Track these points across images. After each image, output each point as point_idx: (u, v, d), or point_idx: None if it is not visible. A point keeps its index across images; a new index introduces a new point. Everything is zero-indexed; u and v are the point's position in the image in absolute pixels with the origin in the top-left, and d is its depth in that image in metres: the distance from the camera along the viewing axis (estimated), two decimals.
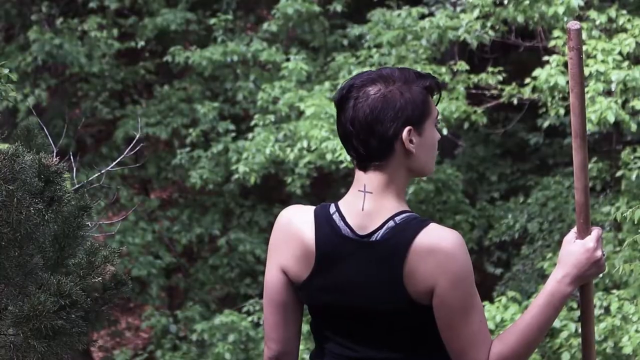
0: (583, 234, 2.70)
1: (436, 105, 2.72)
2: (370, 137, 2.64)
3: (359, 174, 2.69)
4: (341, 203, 2.70)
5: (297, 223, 2.72)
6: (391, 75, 2.67)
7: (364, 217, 2.67)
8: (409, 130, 2.65)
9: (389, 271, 2.63)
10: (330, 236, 2.68)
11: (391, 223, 2.64)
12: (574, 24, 2.69)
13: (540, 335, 2.65)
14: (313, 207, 2.74)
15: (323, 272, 2.69)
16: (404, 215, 2.65)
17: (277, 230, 2.76)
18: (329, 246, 2.67)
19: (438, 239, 2.61)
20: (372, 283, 2.65)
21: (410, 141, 2.65)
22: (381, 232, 2.64)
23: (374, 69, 11.57)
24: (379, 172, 2.67)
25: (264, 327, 2.84)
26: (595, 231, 2.71)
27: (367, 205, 2.67)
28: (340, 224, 2.68)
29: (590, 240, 2.69)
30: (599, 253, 2.68)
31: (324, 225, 2.69)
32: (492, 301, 9.83)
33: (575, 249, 2.69)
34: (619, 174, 10.92)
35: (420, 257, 2.60)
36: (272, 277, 2.76)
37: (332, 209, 2.70)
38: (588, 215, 2.70)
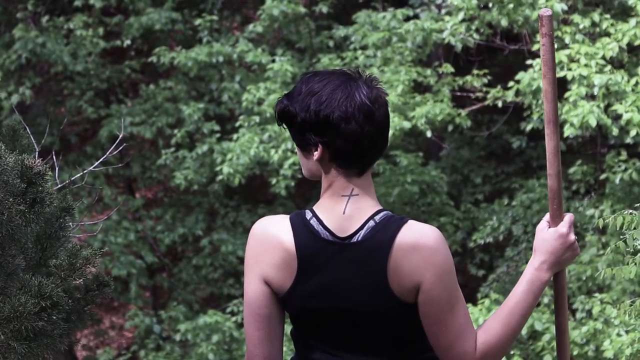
0: (557, 219, 2.76)
1: None
2: (385, 138, 2.68)
3: (348, 180, 2.67)
4: (317, 208, 2.69)
5: (274, 231, 2.69)
6: (356, 72, 2.68)
7: (344, 220, 2.66)
8: None
9: (373, 270, 2.63)
10: (310, 241, 2.66)
11: (371, 223, 2.65)
12: (545, 11, 2.72)
13: (522, 322, 2.69)
14: (287, 216, 2.71)
15: (307, 278, 2.67)
16: (382, 214, 2.66)
17: (253, 241, 2.71)
18: (310, 251, 2.66)
19: (420, 235, 2.63)
20: (356, 284, 2.65)
21: None
22: (362, 232, 2.64)
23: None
24: (368, 172, 2.70)
25: (247, 344, 2.76)
26: (567, 217, 2.76)
27: (349, 208, 2.67)
28: (319, 228, 2.66)
29: (562, 226, 2.74)
30: (572, 237, 2.74)
31: (302, 231, 2.67)
32: (475, 303, 9.86)
33: (549, 236, 2.74)
34: (603, 177, 10.97)
35: (404, 254, 2.62)
36: (254, 290, 2.71)
37: (308, 214, 2.68)
38: (561, 200, 2.76)
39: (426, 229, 2.64)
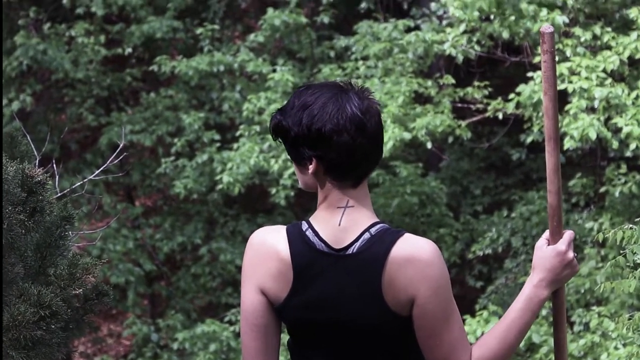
0: (556, 236, 2.76)
1: None
2: (379, 149, 2.67)
3: (342, 192, 2.67)
4: (313, 220, 2.69)
5: (270, 241, 2.69)
6: (348, 84, 2.68)
7: (340, 231, 2.67)
8: None
9: (368, 282, 2.63)
10: (305, 252, 2.66)
11: (367, 235, 2.65)
12: (547, 28, 2.70)
13: (519, 339, 2.70)
14: (284, 226, 2.72)
15: (302, 289, 2.68)
16: (378, 226, 2.66)
17: (251, 251, 2.72)
18: (306, 262, 2.66)
19: (416, 248, 2.63)
20: (351, 296, 2.65)
21: None
22: (357, 244, 2.65)
23: (360, 81, 11.60)
24: (364, 184, 2.69)
25: (244, 355, 2.75)
26: (567, 234, 2.77)
27: (345, 219, 2.67)
28: (315, 239, 2.67)
29: (561, 244, 2.75)
30: (570, 255, 2.74)
31: (298, 242, 2.67)
32: (473, 315, 9.85)
33: (547, 254, 2.75)
34: (602, 190, 10.97)
35: (399, 266, 2.62)
36: (251, 300, 2.72)
37: (304, 226, 2.68)
38: (561, 218, 2.76)
39: (422, 242, 2.64)
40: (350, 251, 2.65)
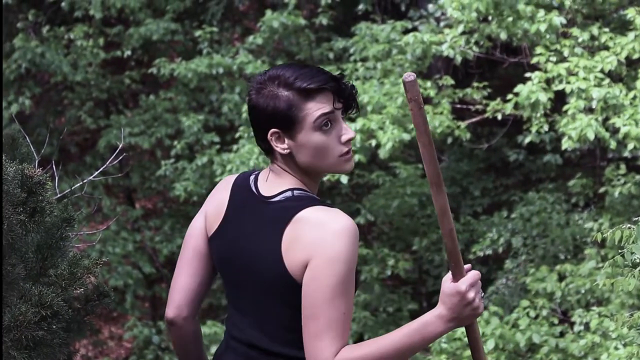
0: (458, 276, 2.67)
1: (336, 105, 2.74)
2: (254, 130, 2.80)
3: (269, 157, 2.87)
4: (260, 173, 2.86)
5: (229, 179, 2.89)
6: (276, 76, 2.75)
7: (268, 186, 2.79)
8: (275, 134, 2.74)
9: (273, 232, 2.68)
10: (240, 192, 2.82)
11: (288, 193, 2.74)
12: (408, 76, 2.63)
13: (396, 357, 2.61)
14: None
15: (228, 223, 2.80)
16: (302, 192, 2.76)
17: (215, 187, 2.94)
18: (238, 199, 2.81)
19: (331, 217, 2.65)
20: (259, 242, 2.71)
21: (282, 141, 2.74)
22: (279, 197, 2.74)
23: (359, 83, 11.62)
24: (274, 160, 2.80)
25: (173, 283, 2.95)
26: (470, 274, 2.68)
27: (270, 179, 2.80)
28: (252, 184, 2.81)
29: (462, 283, 2.65)
30: (470, 295, 2.64)
31: (241, 184, 2.85)
32: None
33: (448, 291, 2.66)
34: (602, 190, 10.98)
35: (305, 225, 2.64)
36: (196, 222, 2.91)
37: (254, 173, 2.86)
38: (459, 258, 2.66)
39: (341, 217, 2.65)
40: (271, 200, 2.75)
